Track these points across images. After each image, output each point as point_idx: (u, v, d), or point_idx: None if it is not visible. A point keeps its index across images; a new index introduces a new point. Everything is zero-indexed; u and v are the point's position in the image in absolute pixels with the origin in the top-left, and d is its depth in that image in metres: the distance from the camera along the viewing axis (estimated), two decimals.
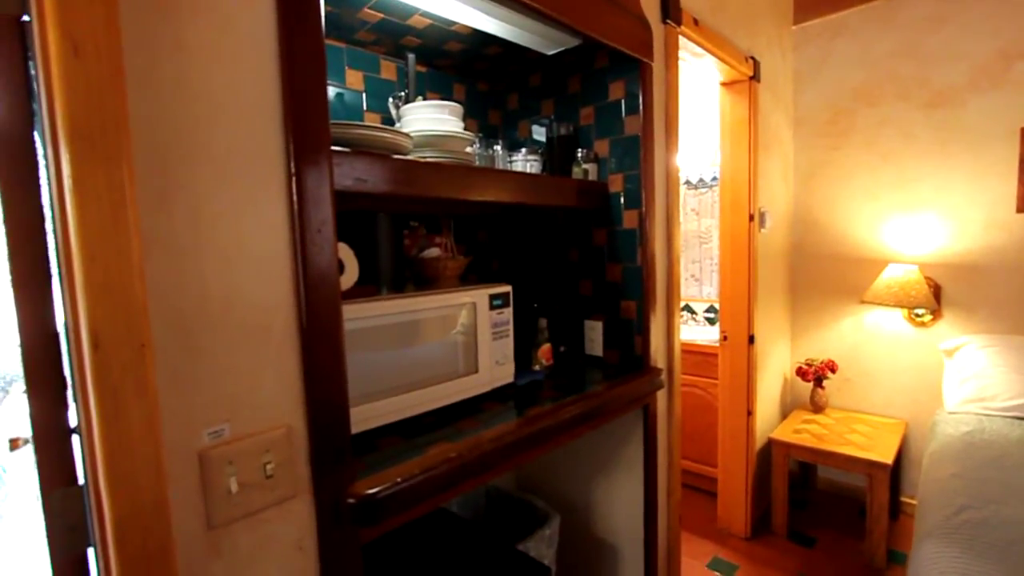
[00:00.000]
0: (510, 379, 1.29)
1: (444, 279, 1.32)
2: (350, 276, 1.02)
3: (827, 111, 2.54)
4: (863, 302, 2.41)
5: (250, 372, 0.71)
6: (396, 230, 1.36)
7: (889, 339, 2.44)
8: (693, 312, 3.21)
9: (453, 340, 1.16)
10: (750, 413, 2.23)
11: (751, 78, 2.12)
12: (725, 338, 2.27)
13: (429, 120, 1.19)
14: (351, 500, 0.77)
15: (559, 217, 1.66)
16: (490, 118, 1.78)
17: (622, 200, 1.49)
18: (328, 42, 1.33)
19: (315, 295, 0.75)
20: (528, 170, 1.51)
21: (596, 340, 1.59)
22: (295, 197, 0.73)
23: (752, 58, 2.11)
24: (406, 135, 1.06)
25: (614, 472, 1.60)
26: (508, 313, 1.28)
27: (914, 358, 2.37)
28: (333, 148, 0.84)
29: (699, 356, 2.62)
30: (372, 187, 0.92)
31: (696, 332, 3.00)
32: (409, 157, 1.04)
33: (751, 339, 2.21)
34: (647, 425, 1.49)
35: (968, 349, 2.13)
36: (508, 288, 1.28)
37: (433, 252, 1.38)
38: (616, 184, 1.50)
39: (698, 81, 3.05)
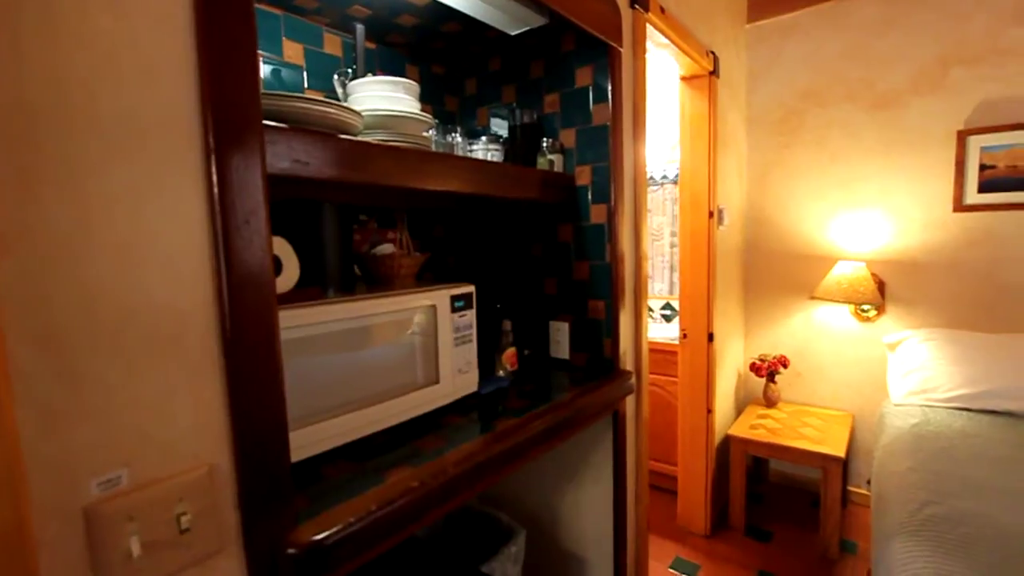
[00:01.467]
0: (474, 388, 1.18)
1: (399, 278, 1.19)
2: (289, 276, 0.87)
3: (779, 110, 2.58)
4: (813, 298, 2.46)
5: (157, 399, 0.56)
6: (344, 223, 1.21)
7: (837, 334, 2.51)
8: (650, 310, 3.21)
9: (411, 348, 1.03)
10: (710, 411, 2.22)
11: (711, 73, 2.10)
12: (685, 336, 2.26)
13: (381, 98, 1.05)
14: (292, 551, 0.63)
15: (521, 211, 1.55)
16: (446, 104, 1.65)
17: (589, 194, 1.41)
18: (261, 7, 1.16)
19: (242, 299, 0.61)
20: (489, 159, 1.39)
21: (562, 342, 1.50)
22: (215, 179, 0.58)
23: (712, 52, 2.09)
24: (356, 113, 0.92)
25: (582, 480, 1.52)
26: (471, 316, 1.16)
27: (860, 352, 2.45)
28: (267, 123, 0.70)
29: (657, 354, 2.60)
30: (315, 171, 0.78)
31: (653, 329, 2.99)
32: (359, 138, 0.91)
33: (710, 337, 2.20)
34: (616, 431, 1.42)
35: (910, 343, 2.21)
36: (471, 288, 1.16)
37: (386, 248, 1.24)
38: (583, 177, 1.42)
39: (654, 75, 3.03)
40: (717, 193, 2.20)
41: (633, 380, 1.46)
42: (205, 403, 0.60)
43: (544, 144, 1.41)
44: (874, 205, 2.37)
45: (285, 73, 1.22)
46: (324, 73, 1.28)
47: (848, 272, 2.28)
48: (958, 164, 2.17)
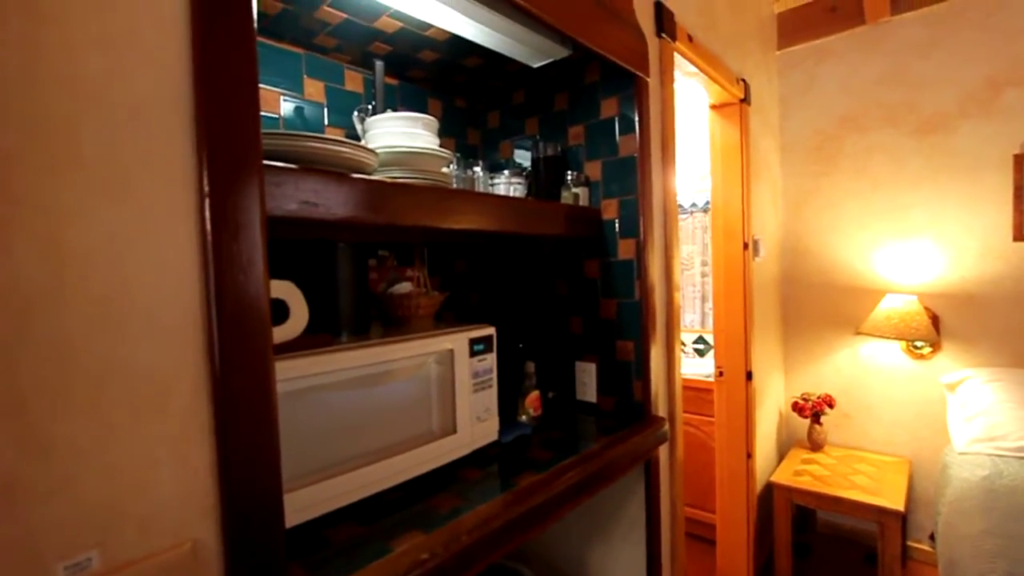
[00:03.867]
0: (494, 436, 1.10)
1: (416, 319, 1.13)
2: (297, 322, 0.82)
3: (814, 137, 2.48)
4: (859, 333, 2.30)
5: (135, 468, 0.50)
6: (359, 263, 1.17)
7: (888, 373, 2.33)
8: (682, 344, 3.07)
9: (426, 395, 0.97)
10: (750, 455, 2.07)
11: (742, 100, 2.03)
12: (721, 374, 2.13)
13: (398, 135, 1.02)
14: None
15: (546, 246, 1.49)
16: (468, 137, 1.62)
17: (617, 228, 1.34)
18: (283, 46, 1.16)
19: (236, 356, 0.56)
20: (512, 194, 1.35)
21: (589, 384, 1.41)
22: (208, 225, 0.54)
23: (743, 80, 2.03)
24: (370, 151, 0.88)
25: (612, 534, 1.40)
26: (491, 359, 1.09)
27: (914, 392, 2.26)
28: (273, 164, 0.66)
29: (691, 392, 2.47)
30: (324, 212, 0.74)
31: (687, 365, 2.85)
32: (373, 177, 0.86)
33: (749, 375, 2.06)
34: (649, 482, 1.31)
35: (971, 384, 2.03)
36: (491, 331, 1.09)
37: (404, 287, 1.19)
38: (610, 210, 1.35)
39: (683, 103, 2.98)
40: (752, 223, 2.10)
41: (667, 427, 1.35)
42: (191, 471, 0.54)
43: (569, 177, 1.35)
44: (923, 234, 2.22)
45: (307, 111, 1.20)
46: (346, 110, 1.27)
47: (898, 306, 2.12)
48: (1017, 189, 2.02)
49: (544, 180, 1.39)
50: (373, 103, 1.14)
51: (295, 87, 1.19)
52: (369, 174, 0.89)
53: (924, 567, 2.19)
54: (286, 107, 1.17)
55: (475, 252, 1.61)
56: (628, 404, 1.33)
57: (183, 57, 0.54)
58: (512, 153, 1.57)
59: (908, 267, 2.26)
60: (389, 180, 0.87)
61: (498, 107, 1.59)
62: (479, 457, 1.06)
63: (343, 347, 0.81)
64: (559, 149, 1.40)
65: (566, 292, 1.45)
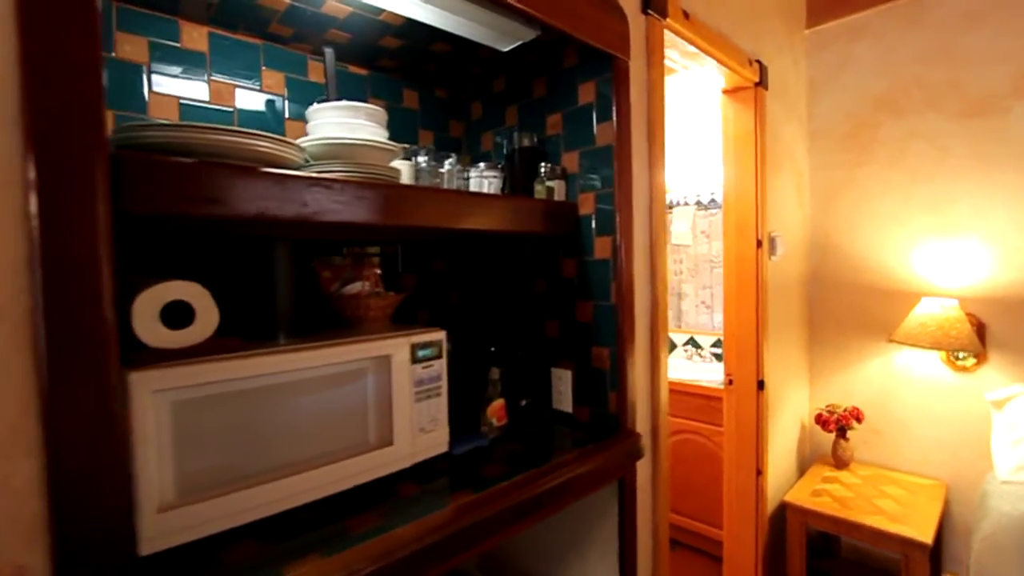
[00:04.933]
0: (441, 449, 1.02)
1: (368, 321, 1.07)
2: (204, 326, 0.77)
3: (846, 123, 2.26)
4: (892, 341, 2.09)
5: None
6: (304, 261, 1.12)
7: (924, 385, 2.10)
8: (699, 347, 2.91)
9: (362, 405, 0.90)
10: (760, 472, 1.91)
11: (757, 84, 1.86)
12: (730, 382, 1.97)
13: (337, 125, 0.95)
14: None
15: (525, 243, 1.40)
16: (451, 130, 1.54)
17: (593, 224, 1.24)
18: (238, 36, 1.12)
19: (69, 368, 0.51)
20: (485, 188, 1.27)
21: (565, 392, 1.31)
22: (35, 222, 0.49)
23: (758, 62, 1.86)
24: (293, 144, 0.82)
25: (588, 553, 1.30)
26: (440, 366, 1.02)
27: (955, 408, 2.03)
28: (157, 155, 0.61)
29: (702, 400, 2.32)
30: (231, 210, 0.69)
31: (701, 371, 2.69)
32: (292, 172, 0.80)
33: (760, 384, 1.90)
34: (623, 503, 1.20)
35: (1022, 401, 1.79)
36: (440, 335, 1.02)
37: (355, 287, 1.14)
38: (587, 205, 1.25)
39: (706, 89, 2.80)
40: (767, 218, 1.93)
41: (646, 442, 1.24)
42: (13, 490, 0.49)
43: (542, 170, 1.26)
44: (968, 231, 1.99)
45: (264, 104, 1.16)
46: (311, 102, 1.22)
47: (936, 311, 1.90)
48: None
49: (519, 173, 1.30)
50: (324, 95, 1.09)
51: (254, 79, 1.15)
52: (297, 169, 0.83)
53: None
54: (242, 99, 1.13)
55: (453, 248, 1.54)
56: (603, 416, 1.23)
57: (9, 38, 0.49)
58: (493, 146, 1.48)
59: (950, 268, 2.02)
60: (312, 175, 0.81)
61: (480, 96, 1.51)
62: (423, 471, 0.99)
63: (238, 355, 0.76)
64: (535, 140, 1.31)
65: (544, 292, 1.36)
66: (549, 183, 1.25)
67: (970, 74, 1.95)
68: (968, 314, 1.93)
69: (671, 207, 3.02)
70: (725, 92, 1.93)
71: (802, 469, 2.34)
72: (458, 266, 1.55)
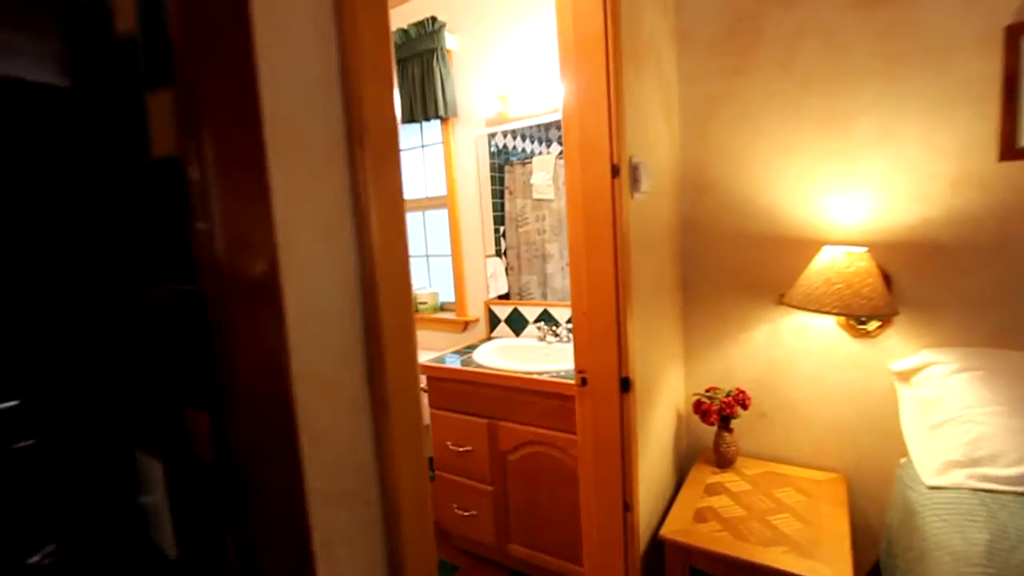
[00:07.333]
0: None
1: None
2: None
3: (723, 16, 1.69)
4: (782, 303, 1.61)
5: None
6: None
7: (818, 356, 1.66)
8: (555, 323, 2.29)
9: None
10: (628, 508, 1.32)
11: None
12: (583, 382, 1.34)
13: None
14: None
15: None
16: None
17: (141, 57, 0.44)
18: None
19: None
20: None
21: (162, 512, 0.53)
22: None
23: None
24: None
25: None
26: None
27: (853, 383, 1.62)
28: None
29: (557, 400, 1.69)
30: None
31: (556, 358, 2.08)
32: None
33: (625, 384, 1.29)
34: None
35: (936, 372, 1.39)
36: None
37: None
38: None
39: None
40: (625, 137, 1.28)
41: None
42: None
43: None
44: (871, 156, 1.52)
45: None
46: None
47: (841, 263, 1.42)
48: (1007, 81, 1.34)
49: None
50: None
51: None
52: None
53: None
54: None
55: None
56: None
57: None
58: None
59: (853, 207, 1.56)
60: None
61: None
62: None
63: None
64: None
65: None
66: None
67: None
68: (876, 265, 1.47)
69: (530, 158, 2.32)
70: None
71: (681, 471, 1.85)
72: None
